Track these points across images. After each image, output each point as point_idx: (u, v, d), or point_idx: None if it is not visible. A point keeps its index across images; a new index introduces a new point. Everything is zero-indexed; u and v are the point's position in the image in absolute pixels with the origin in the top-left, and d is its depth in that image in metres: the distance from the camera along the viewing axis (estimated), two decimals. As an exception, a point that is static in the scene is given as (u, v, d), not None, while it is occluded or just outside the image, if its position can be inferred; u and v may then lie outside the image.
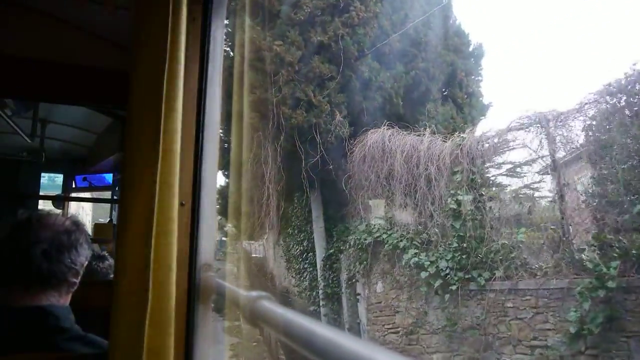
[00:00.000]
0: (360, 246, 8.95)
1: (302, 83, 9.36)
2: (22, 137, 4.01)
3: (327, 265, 10.56)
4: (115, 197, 5.21)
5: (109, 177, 5.51)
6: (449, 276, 7.17)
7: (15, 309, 1.15)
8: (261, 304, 0.66)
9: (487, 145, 7.89)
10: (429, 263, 7.44)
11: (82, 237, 1.28)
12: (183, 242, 0.98)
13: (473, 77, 11.75)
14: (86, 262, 1.30)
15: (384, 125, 9.38)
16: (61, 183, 5.57)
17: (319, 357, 0.46)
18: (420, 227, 8.21)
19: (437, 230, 7.85)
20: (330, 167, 9.65)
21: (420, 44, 10.57)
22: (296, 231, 12.31)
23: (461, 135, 8.22)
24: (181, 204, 0.96)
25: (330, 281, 10.47)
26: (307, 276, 11.72)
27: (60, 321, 1.17)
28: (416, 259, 7.65)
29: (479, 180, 7.66)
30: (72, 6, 1.73)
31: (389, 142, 9.08)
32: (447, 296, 7.15)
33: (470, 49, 11.89)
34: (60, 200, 5.37)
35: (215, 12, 1.10)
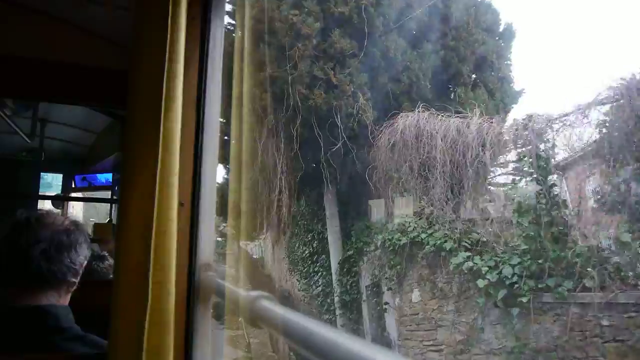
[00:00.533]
0: (391, 248, 7.60)
1: (321, 59, 8.23)
2: (22, 136, 4.01)
3: (345, 269, 9.33)
4: (114, 197, 5.21)
5: (108, 177, 5.50)
6: (517, 285, 5.74)
7: (15, 308, 1.15)
8: (261, 304, 0.66)
9: (560, 124, 6.49)
10: (487, 269, 6.07)
11: (81, 237, 1.28)
12: (182, 242, 0.98)
13: (504, 60, 10.54)
14: (85, 262, 1.30)
15: (419, 108, 8.14)
16: (51, 182, 5.54)
17: (318, 357, 0.46)
18: (468, 225, 6.99)
19: (493, 228, 6.62)
20: (355, 156, 8.47)
21: (449, 20, 9.42)
22: (302, 230, 11.19)
23: (528, 114, 6.91)
24: (180, 204, 0.96)
25: (348, 287, 9.23)
26: (320, 281, 10.41)
27: (59, 321, 1.17)
28: (470, 263, 6.29)
29: (551, 167, 6.26)
30: (72, 6, 1.73)
31: (427, 126, 7.78)
32: (514, 310, 5.71)
33: (501, 29, 10.62)
34: (60, 200, 5.37)
35: (215, 12, 1.10)
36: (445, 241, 6.78)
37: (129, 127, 0.90)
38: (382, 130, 8.35)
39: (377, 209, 8.77)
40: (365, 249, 8.79)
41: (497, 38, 10.43)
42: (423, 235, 7.15)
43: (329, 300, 9.97)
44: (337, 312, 9.39)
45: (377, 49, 8.54)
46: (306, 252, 11.09)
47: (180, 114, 0.91)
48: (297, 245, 11.74)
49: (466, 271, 6.37)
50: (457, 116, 7.73)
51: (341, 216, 9.69)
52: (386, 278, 7.90)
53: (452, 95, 9.36)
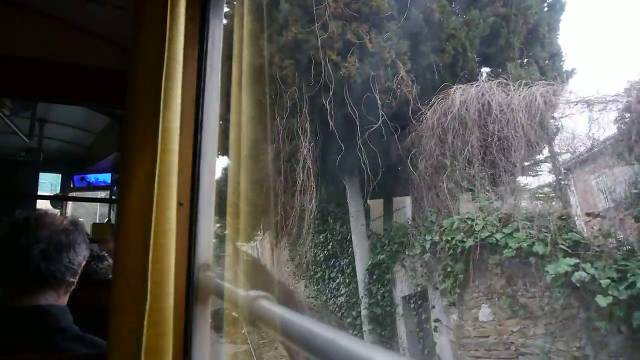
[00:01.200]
0: (450, 252, 6.07)
1: (353, 21, 6.89)
2: (20, 136, 4.01)
3: (375, 277, 7.86)
4: (113, 197, 5.21)
5: (107, 177, 5.50)
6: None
7: (14, 308, 1.15)
8: (260, 304, 0.66)
9: None
10: (608, 281, 4.53)
11: (80, 237, 1.28)
12: (181, 242, 0.98)
13: (555, 33, 9.14)
14: (84, 262, 1.30)
15: (482, 77, 6.83)
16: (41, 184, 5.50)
17: (318, 358, 0.46)
18: (564, 222, 5.42)
19: (603, 225, 5.19)
20: (397, 139, 7.01)
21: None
22: (312, 231, 9.32)
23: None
24: (179, 204, 0.96)
25: (379, 298, 7.75)
26: (343, 290, 8.83)
27: (58, 321, 1.17)
28: (582, 273, 4.73)
29: None
30: (71, 6, 1.73)
31: (497, 98, 6.29)
32: None
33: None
34: (59, 200, 5.37)
35: (214, 12, 1.10)
36: (533, 243, 5.25)
37: (127, 127, 0.90)
38: (430, 107, 6.93)
39: (421, 204, 7.28)
40: (404, 252, 7.33)
41: (545, 9, 9.03)
42: (498, 236, 5.61)
43: (354, 313, 8.40)
44: (365, 327, 7.97)
45: (420, 11, 7.16)
46: (320, 255, 9.69)
47: (179, 114, 0.91)
48: (306, 248, 10.20)
49: (577, 284, 4.76)
50: (538, 84, 6.35)
51: (367, 213, 8.23)
52: (437, 289, 6.38)
53: (501, 71, 7.93)
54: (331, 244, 9.36)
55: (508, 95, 6.41)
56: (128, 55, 0.92)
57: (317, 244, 9.80)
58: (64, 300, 1.25)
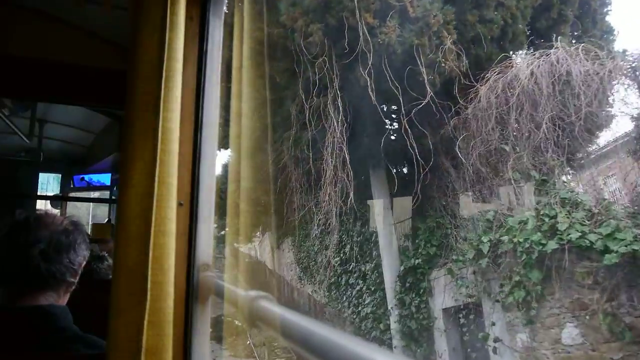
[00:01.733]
0: (523, 256, 4.89)
1: None
2: (20, 137, 4.01)
3: (409, 284, 6.88)
4: (113, 197, 5.22)
5: (107, 177, 5.50)
6: None
7: (14, 309, 1.15)
8: (260, 304, 0.66)
9: None
10: None
11: (80, 237, 1.28)
12: (181, 242, 0.98)
13: (605, 8, 8.14)
14: (84, 262, 1.30)
15: (558, 41, 5.61)
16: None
17: (318, 358, 0.46)
18: None
19: None
20: (446, 119, 5.98)
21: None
22: (336, 230, 7.84)
23: None
24: (179, 204, 0.96)
25: (413, 310, 6.78)
26: (367, 299, 7.78)
27: (58, 321, 1.17)
28: None
29: None
30: (70, 6, 1.73)
31: (580, 67, 5.06)
32: None
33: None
34: (59, 200, 5.38)
35: (214, 12, 1.10)
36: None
37: (127, 127, 0.90)
38: (484, 83, 5.82)
39: (467, 199, 6.25)
40: (445, 256, 6.45)
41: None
42: (591, 237, 4.47)
43: (381, 326, 7.43)
44: (396, 342, 6.95)
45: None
46: (335, 258, 8.50)
47: (178, 114, 0.91)
48: (316, 250, 9.22)
49: None
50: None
51: (393, 210, 7.12)
52: (498, 301, 5.32)
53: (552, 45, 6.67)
54: (348, 245, 8.28)
55: (595, 63, 5.25)
56: (127, 55, 0.92)
57: (327, 245, 8.69)
58: (64, 300, 1.25)
